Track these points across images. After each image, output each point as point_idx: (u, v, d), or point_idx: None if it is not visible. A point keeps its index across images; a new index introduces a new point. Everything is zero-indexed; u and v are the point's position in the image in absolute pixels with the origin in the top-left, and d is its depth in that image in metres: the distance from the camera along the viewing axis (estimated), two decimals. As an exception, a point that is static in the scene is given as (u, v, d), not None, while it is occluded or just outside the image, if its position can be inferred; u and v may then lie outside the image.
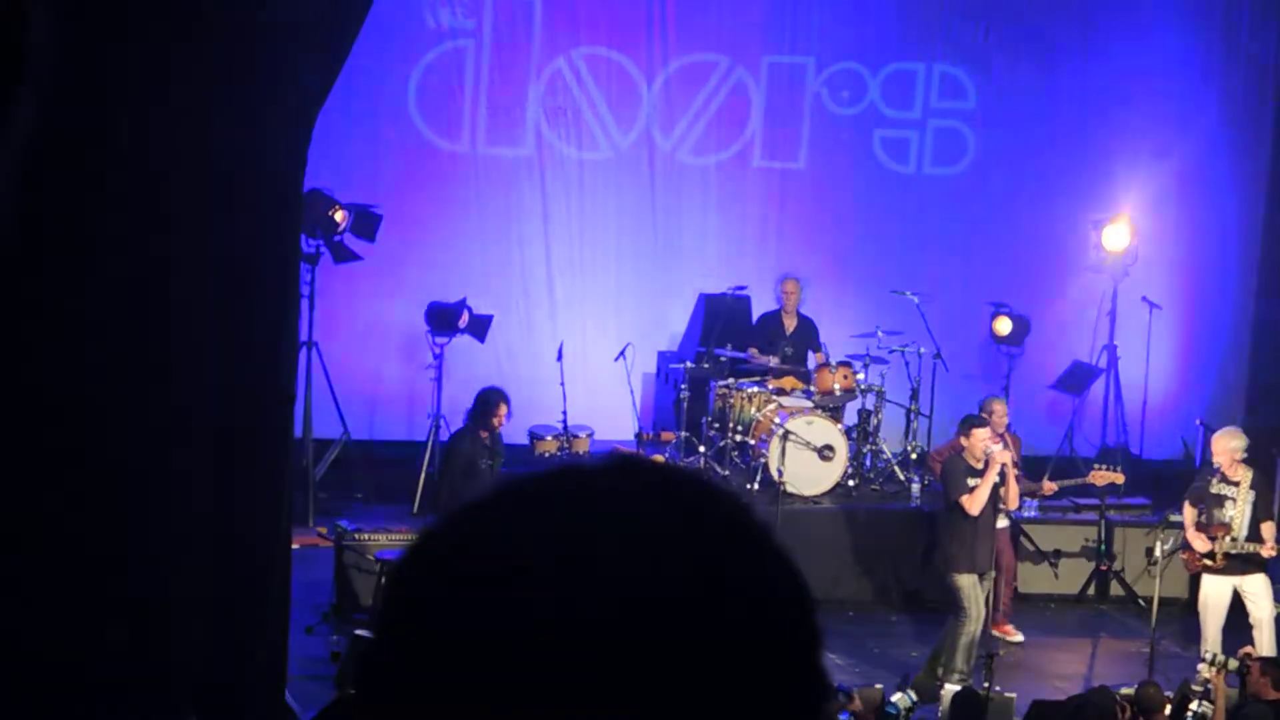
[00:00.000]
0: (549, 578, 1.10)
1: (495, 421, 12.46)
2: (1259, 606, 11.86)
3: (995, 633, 12.65)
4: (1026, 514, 13.43)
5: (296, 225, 9.08)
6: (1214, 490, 12.01)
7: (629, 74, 15.42)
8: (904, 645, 12.66)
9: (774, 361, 14.48)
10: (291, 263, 9.03)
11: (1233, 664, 10.52)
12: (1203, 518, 12.04)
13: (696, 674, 1.10)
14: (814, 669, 1.16)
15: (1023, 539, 13.58)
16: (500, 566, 1.12)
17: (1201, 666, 10.85)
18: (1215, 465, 12.09)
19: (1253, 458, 12.19)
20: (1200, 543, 11.93)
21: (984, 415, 12.55)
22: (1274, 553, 11.89)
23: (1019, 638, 12.89)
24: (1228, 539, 11.87)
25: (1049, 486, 13.01)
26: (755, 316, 15.00)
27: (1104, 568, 13.83)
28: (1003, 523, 12.65)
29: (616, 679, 1.08)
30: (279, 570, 8.88)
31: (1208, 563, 11.95)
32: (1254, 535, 11.90)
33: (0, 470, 7.90)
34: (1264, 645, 11.60)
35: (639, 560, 1.11)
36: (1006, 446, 12.69)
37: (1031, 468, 13.59)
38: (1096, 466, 12.85)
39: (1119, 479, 12.75)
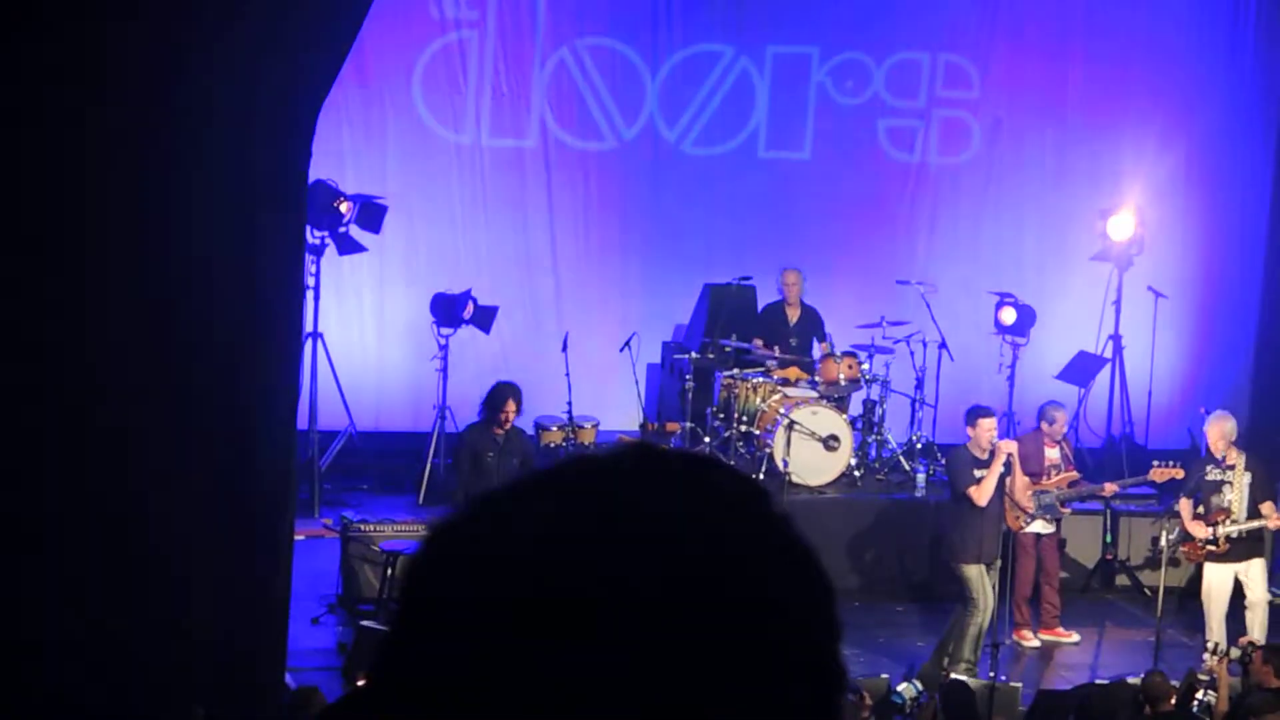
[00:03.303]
0: (565, 571, 1.10)
1: (502, 416, 12.36)
2: (1254, 591, 11.89)
3: (1046, 636, 12.67)
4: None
5: (301, 217, 9.08)
6: (1210, 477, 12.04)
7: (633, 64, 15.40)
8: (909, 635, 12.66)
9: (778, 352, 14.48)
10: (295, 254, 9.02)
11: (1235, 653, 10.53)
12: (1199, 507, 12.06)
13: (717, 665, 1.09)
14: (832, 659, 1.16)
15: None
16: (516, 560, 1.11)
17: (1206, 655, 10.86)
18: (1210, 453, 12.14)
19: (1255, 444, 12.20)
20: (1199, 530, 11.94)
21: (1044, 423, 12.64)
22: (1278, 524, 11.90)
23: (1074, 638, 12.87)
24: (1228, 522, 11.89)
25: (1110, 488, 12.89)
26: (760, 307, 14.99)
27: (1109, 557, 13.83)
28: (1048, 529, 12.64)
29: (636, 671, 1.08)
30: (282, 562, 8.89)
31: (1211, 549, 11.96)
32: (1254, 516, 11.93)
33: (4, 465, 7.90)
34: (1255, 626, 11.62)
35: (656, 552, 1.11)
36: (1064, 452, 12.71)
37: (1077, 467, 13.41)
38: (1156, 463, 12.75)
39: (1179, 474, 12.61)
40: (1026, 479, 12.30)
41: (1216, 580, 11.99)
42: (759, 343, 14.54)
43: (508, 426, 12.44)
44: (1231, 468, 11.98)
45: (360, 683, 8.38)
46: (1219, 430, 12.10)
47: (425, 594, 1.15)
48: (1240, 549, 11.93)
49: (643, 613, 1.08)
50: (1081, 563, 13.87)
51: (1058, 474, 12.65)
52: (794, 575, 1.16)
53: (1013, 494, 12.06)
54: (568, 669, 1.07)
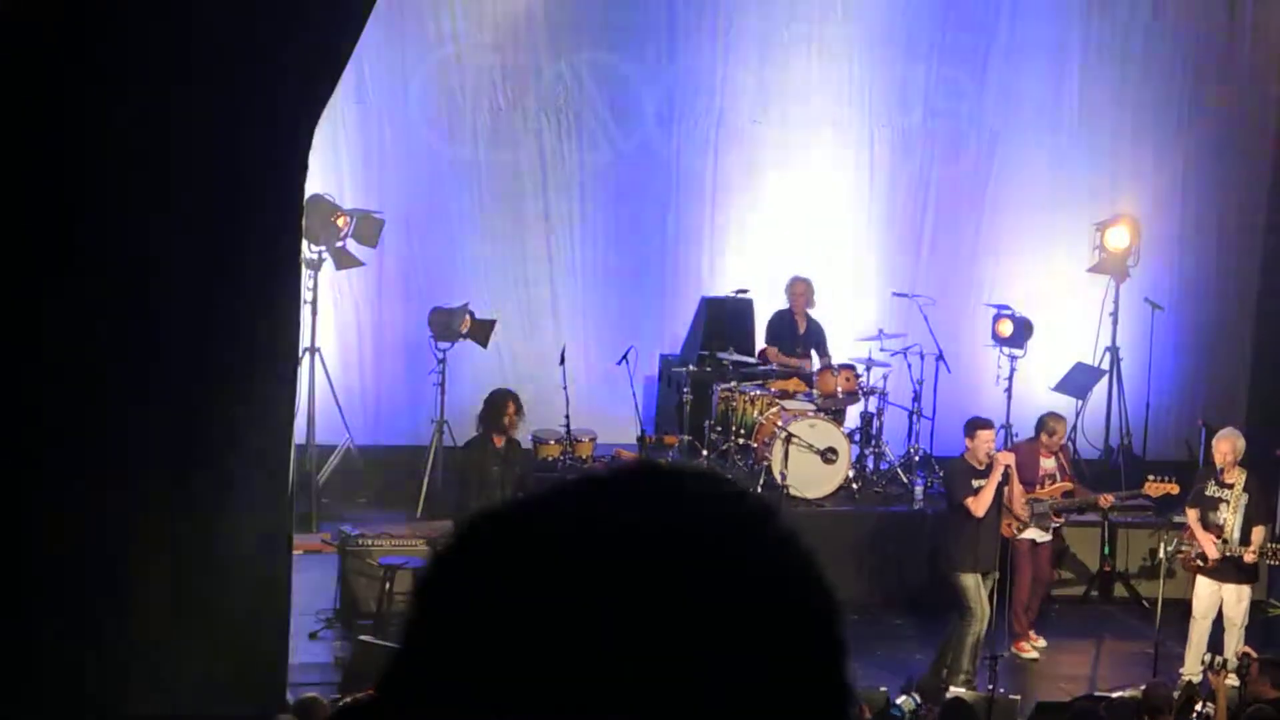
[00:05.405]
0: (573, 589, 1.10)
1: (505, 421, 12.42)
2: (1233, 614, 11.86)
3: (1017, 646, 12.67)
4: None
5: (297, 230, 9.08)
6: (1209, 493, 12.02)
7: (629, 77, 15.41)
8: (908, 647, 12.65)
9: (773, 364, 14.48)
10: (292, 268, 9.03)
11: (1232, 663, 10.52)
12: (1200, 520, 12.05)
13: (726, 681, 1.09)
14: (840, 675, 1.16)
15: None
16: (518, 585, 1.11)
17: (1200, 667, 10.85)
18: (1217, 467, 12.08)
19: (1253, 459, 12.18)
20: (1211, 547, 11.88)
21: (1044, 434, 12.64)
22: (1254, 559, 11.88)
23: (1040, 643, 12.86)
24: (1220, 541, 11.87)
25: (1106, 499, 12.88)
26: (756, 319, 14.98)
27: (1107, 569, 13.82)
28: (1044, 537, 12.64)
29: (644, 687, 1.08)
30: (281, 576, 8.88)
31: (1199, 564, 11.95)
32: (1247, 539, 11.89)
33: (0, 475, 7.89)
34: (1229, 648, 11.57)
35: (659, 572, 1.11)
36: (1060, 463, 12.71)
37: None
38: (1150, 477, 12.75)
39: (1174, 489, 12.58)
40: (1022, 488, 12.31)
41: (1200, 595, 11.99)
42: (773, 351, 14.53)
43: (512, 432, 12.49)
44: (1230, 487, 11.95)
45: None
46: (1230, 445, 12.03)
47: (429, 617, 1.15)
48: (1226, 570, 11.90)
49: (651, 629, 1.09)
50: (1080, 574, 13.87)
51: (1052, 483, 12.67)
52: (800, 593, 1.16)
53: (1010, 504, 12.07)
54: (577, 684, 1.08)
